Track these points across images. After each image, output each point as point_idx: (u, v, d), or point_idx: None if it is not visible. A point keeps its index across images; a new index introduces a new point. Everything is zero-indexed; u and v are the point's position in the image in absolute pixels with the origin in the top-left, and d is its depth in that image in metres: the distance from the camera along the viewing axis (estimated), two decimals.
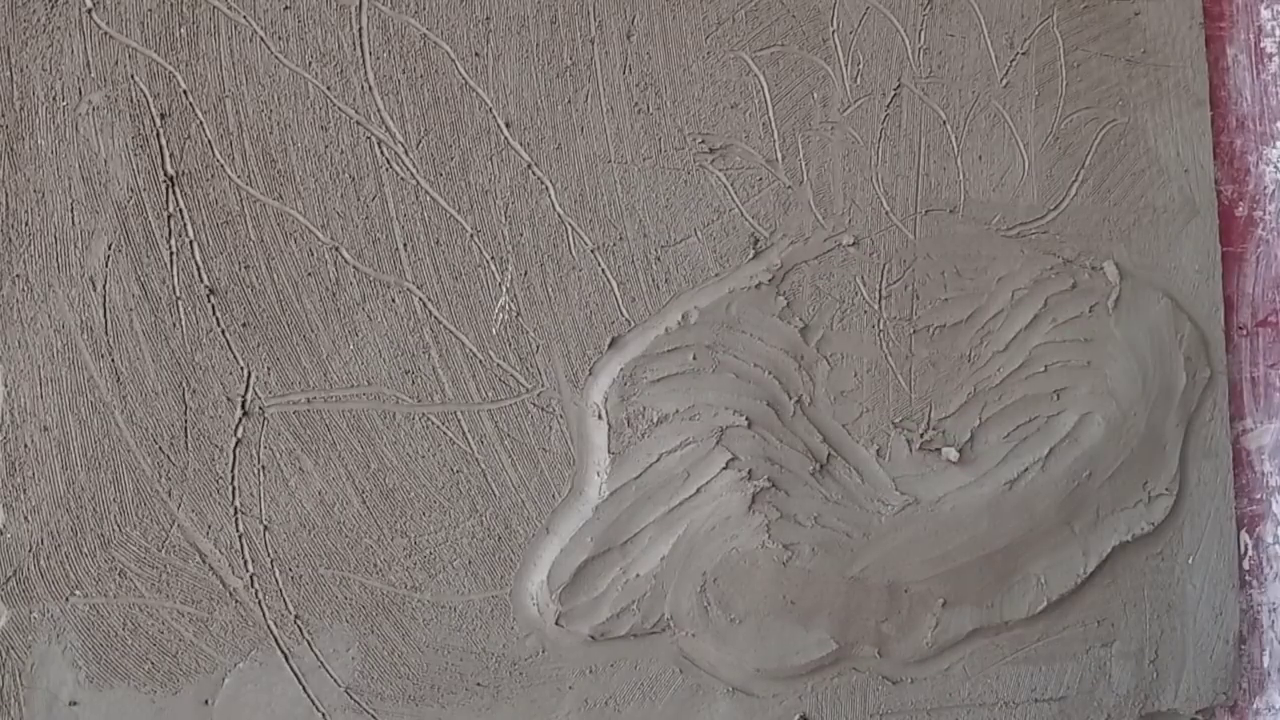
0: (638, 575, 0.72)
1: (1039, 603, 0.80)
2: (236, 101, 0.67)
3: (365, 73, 0.69)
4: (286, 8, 0.68)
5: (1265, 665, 0.89)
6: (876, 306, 0.78)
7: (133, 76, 0.66)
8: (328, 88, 0.68)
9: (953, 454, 0.78)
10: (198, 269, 0.67)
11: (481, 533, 0.71)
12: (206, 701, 0.67)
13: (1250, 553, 0.89)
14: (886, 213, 0.78)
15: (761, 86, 0.76)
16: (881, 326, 0.78)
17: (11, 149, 0.64)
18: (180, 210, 0.66)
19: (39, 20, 0.64)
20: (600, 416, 0.72)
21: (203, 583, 0.67)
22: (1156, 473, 0.83)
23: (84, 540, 0.65)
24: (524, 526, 0.72)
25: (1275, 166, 0.90)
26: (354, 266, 0.69)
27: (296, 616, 0.68)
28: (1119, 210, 0.83)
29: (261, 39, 0.67)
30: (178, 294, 0.66)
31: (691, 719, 0.75)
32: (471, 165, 0.71)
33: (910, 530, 0.77)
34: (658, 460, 0.73)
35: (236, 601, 0.67)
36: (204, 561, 0.67)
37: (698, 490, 0.73)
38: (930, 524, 0.77)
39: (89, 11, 0.65)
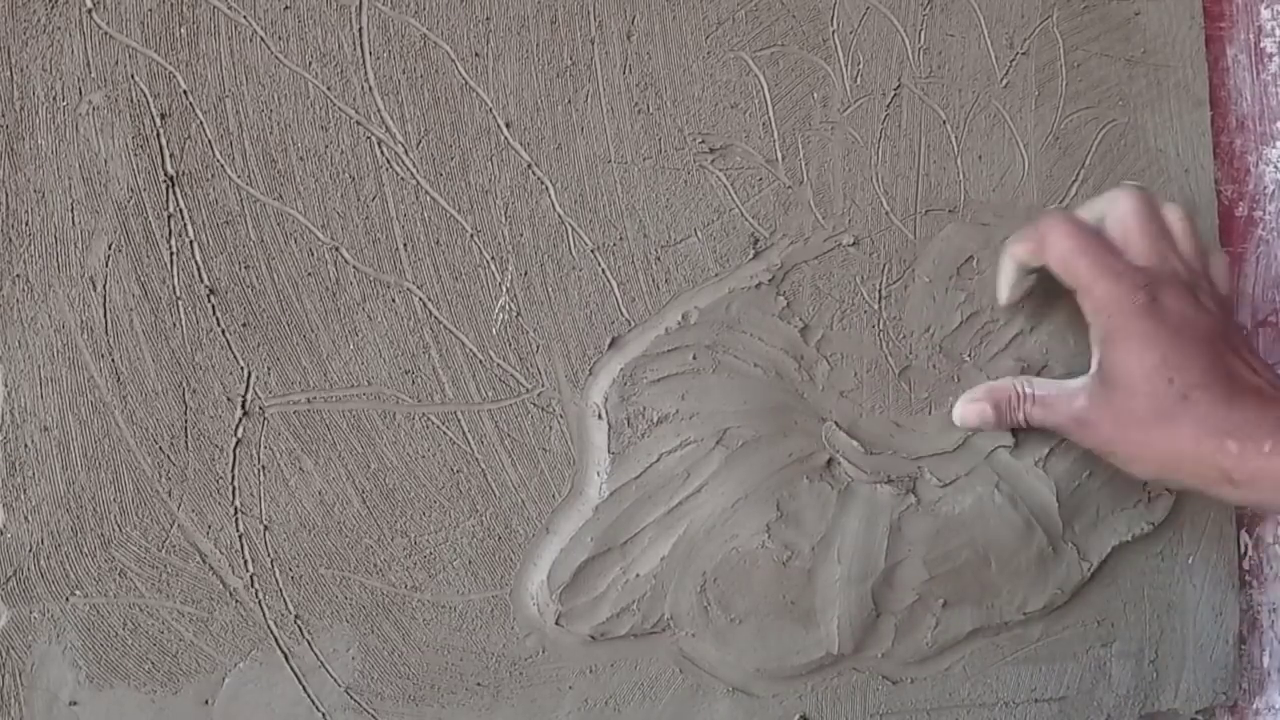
0: (638, 575, 0.72)
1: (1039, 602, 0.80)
2: (236, 101, 0.67)
3: (365, 73, 0.69)
4: (286, 8, 0.68)
5: (1265, 665, 0.89)
6: (876, 306, 0.78)
7: (133, 76, 0.66)
8: (328, 88, 0.68)
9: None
10: (198, 269, 0.67)
11: (481, 533, 0.71)
12: (206, 701, 0.67)
13: (1250, 553, 0.89)
14: (886, 213, 0.78)
15: (761, 86, 0.76)
16: (881, 326, 0.78)
17: (11, 149, 0.64)
18: (180, 210, 0.66)
19: (39, 20, 0.64)
20: (600, 416, 0.72)
21: (203, 583, 0.67)
22: None
23: (84, 540, 0.65)
24: (524, 526, 0.72)
25: (1275, 166, 0.90)
26: (354, 266, 0.69)
27: (296, 616, 0.68)
28: None
29: (261, 39, 0.67)
30: (178, 294, 0.67)
31: (691, 719, 0.75)
32: (471, 165, 0.71)
33: (910, 530, 0.77)
34: (658, 460, 0.73)
35: (236, 601, 0.67)
36: (204, 561, 0.67)
37: (698, 490, 0.73)
38: (930, 524, 0.77)
39: (89, 11, 0.65)
